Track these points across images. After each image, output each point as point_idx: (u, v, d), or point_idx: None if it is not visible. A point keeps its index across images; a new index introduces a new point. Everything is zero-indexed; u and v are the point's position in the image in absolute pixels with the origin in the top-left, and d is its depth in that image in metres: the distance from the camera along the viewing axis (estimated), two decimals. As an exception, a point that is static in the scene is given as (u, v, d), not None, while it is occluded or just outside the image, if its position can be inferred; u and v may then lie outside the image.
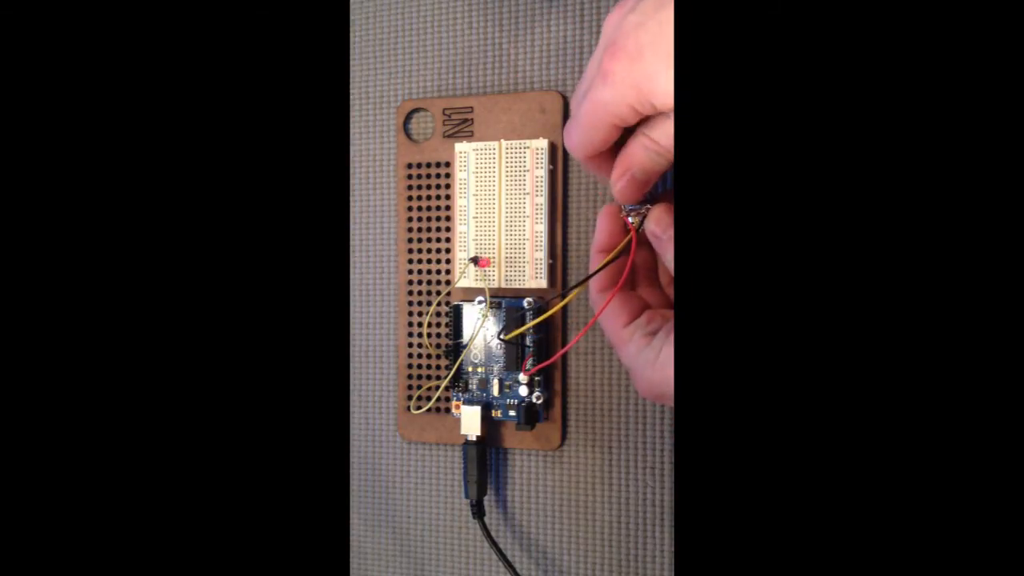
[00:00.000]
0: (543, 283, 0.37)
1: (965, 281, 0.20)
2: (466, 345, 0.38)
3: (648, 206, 0.32)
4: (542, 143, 0.37)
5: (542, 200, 0.37)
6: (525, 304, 0.37)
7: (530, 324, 0.36)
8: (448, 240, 0.39)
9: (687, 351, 0.22)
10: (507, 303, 0.37)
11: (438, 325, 0.40)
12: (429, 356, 0.40)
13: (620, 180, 0.30)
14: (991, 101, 0.20)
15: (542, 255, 0.37)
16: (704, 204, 0.22)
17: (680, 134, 0.23)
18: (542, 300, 0.37)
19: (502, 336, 0.37)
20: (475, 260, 0.37)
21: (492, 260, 0.37)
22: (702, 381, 0.22)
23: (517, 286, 0.37)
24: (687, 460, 0.21)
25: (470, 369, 0.38)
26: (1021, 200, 0.20)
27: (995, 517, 0.20)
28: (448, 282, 0.39)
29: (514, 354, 0.37)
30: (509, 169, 0.37)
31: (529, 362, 0.37)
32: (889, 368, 0.20)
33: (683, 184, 0.22)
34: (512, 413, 0.38)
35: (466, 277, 0.38)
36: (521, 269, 0.37)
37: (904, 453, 0.20)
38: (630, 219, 0.32)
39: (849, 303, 0.21)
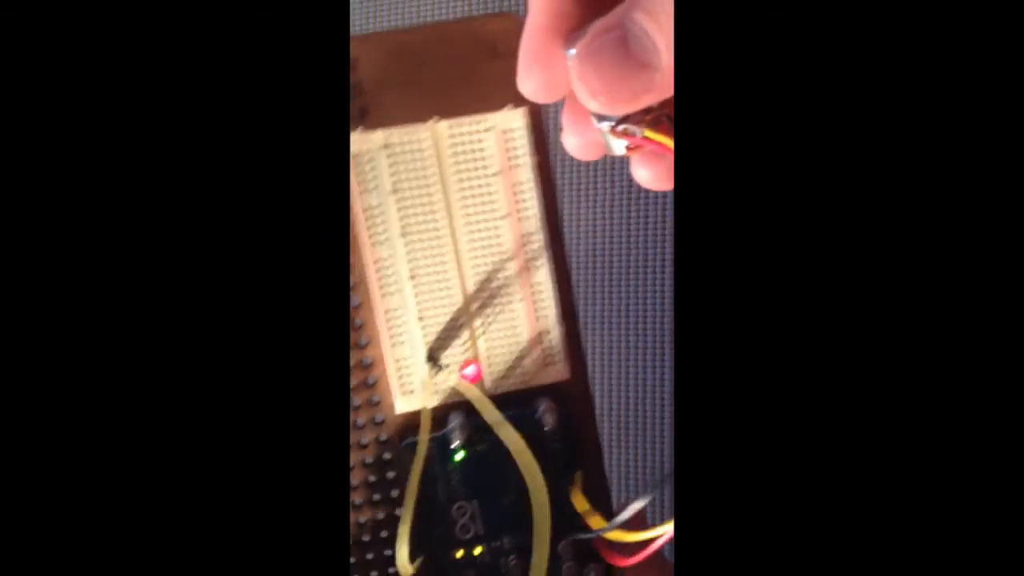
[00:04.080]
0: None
1: (968, 278, 0.20)
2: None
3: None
4: (515, 116, 0.21)
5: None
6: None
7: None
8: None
9: (687, 351, 0.22)
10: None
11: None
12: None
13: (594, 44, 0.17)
14: (994, 98, 0.20)
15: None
16: (704, 201, 0.22)
17: (680, 130, 0.23)
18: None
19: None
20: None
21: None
22: (702, 381, 0.22)
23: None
24: (687, 460, 0.21)
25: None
26: (1020, 201, 0.20)
27: (994, 518, 0.20)
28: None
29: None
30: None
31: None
32: (888, 368, 0.21)
33: (683, 184, 0.22)
34: (512, 413, 0.38)
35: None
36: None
37: (902, 450, 0.20)
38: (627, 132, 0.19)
39: (851, 306, 0.21)
